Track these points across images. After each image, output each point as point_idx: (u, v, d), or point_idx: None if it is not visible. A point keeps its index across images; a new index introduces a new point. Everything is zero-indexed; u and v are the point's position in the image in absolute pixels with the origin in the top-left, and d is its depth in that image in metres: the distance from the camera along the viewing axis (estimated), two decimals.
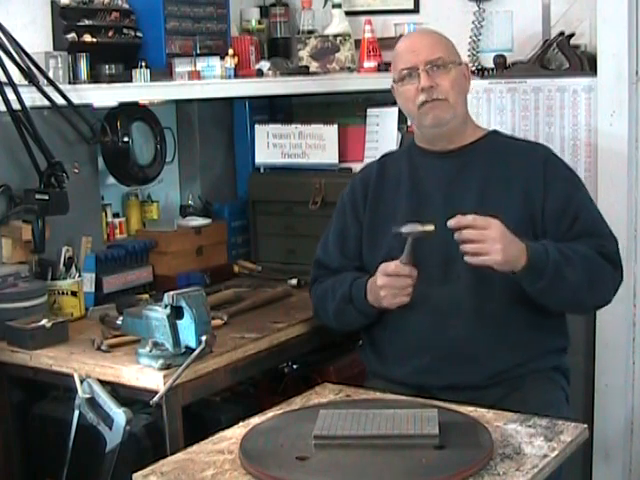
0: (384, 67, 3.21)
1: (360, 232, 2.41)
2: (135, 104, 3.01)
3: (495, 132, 2.45)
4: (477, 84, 2.95)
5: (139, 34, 2.88)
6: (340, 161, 3.19)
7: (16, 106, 2.49)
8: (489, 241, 2.06)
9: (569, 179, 2.33)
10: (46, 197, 2.55)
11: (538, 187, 2.26)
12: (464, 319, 2.22)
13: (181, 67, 2.90)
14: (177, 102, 3.27)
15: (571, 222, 2.24)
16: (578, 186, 2.34)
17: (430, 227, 2.12)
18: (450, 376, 2.21)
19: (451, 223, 2.08)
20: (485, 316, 2.22)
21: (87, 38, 2.74)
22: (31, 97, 2.54)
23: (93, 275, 2.73)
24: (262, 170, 3.32)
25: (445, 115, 2.28)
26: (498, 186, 2.28)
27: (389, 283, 2.19)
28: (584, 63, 2.86)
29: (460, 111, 2.32)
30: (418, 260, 2.18)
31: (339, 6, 3.28)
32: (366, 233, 2.40)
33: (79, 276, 2.62)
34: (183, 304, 2.12)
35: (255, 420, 1.99)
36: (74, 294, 2.60)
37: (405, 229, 2.16)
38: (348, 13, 3.32)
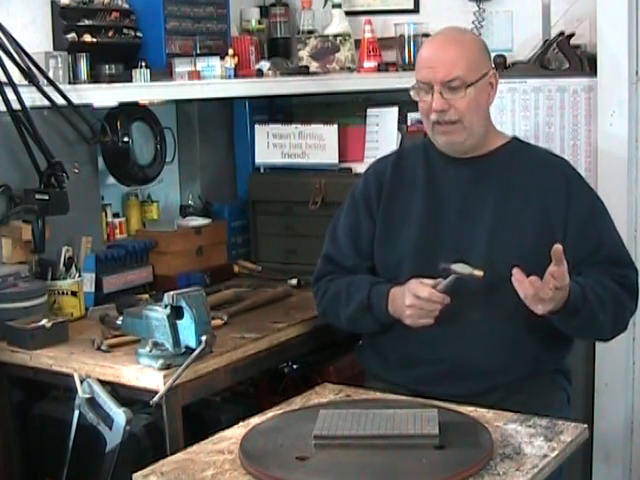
0: (384, 67, 3.22)
1: (373, 230, 2.35)
2: (135, 104, 3.01)
3: (515, 139, 2.39)
4: None
5: (139, 34, 2.88)
6: (340, 161, 3.19)
7: (16, 106, 2.49)
8: (556, 297, 2.02)
9: (592, 202, 2.29)
10: (46, 197, 2.55)
11: (559, 206, 2.22)
12: (472, 333, 2.19)
13: (181, 67, 2.90)
14: (177, 102, 3.27)
15: (594, 248, 2.21)
16: (599, 210, 2.29)
17: (480, 273, 2.07)
18: (451, 387, 2.19)
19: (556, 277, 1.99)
20: (493, 332, 2.18)
21: (87, 38, 2.74)
22: (31, 97, 2.54)
23: (93, 275, 2.73)
24: (262, 170, 3.32)
25: (458, 139, 2.23)
26: (516, 196, 2.24)
27: (418, 305, 2.13)
28: (584, 63, 2.86)
29: (477, 130, 2.24)
30: (425, 271, 2.16)
31: (339, 6, 3.29)
32: (379, 232, 2.34)
33: (79, 276, 2.62)
34: (183, 304, 2.12)
35: (255, 420, 1.99)
36: (74, 294, 2.60)
37: (455, 268, 2.10)
38: (348, 13, 3.32)
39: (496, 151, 2.32)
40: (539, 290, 1.99)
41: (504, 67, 2.99)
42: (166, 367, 2.14)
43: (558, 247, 1.97)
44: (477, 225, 2.24)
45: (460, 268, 2.10)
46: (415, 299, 2.13)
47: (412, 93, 2.27)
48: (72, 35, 2.71)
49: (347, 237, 2.39)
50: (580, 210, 2.23)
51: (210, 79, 2.94)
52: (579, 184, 2.30)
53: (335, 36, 3.26)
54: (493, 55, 2.99)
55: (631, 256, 2.30)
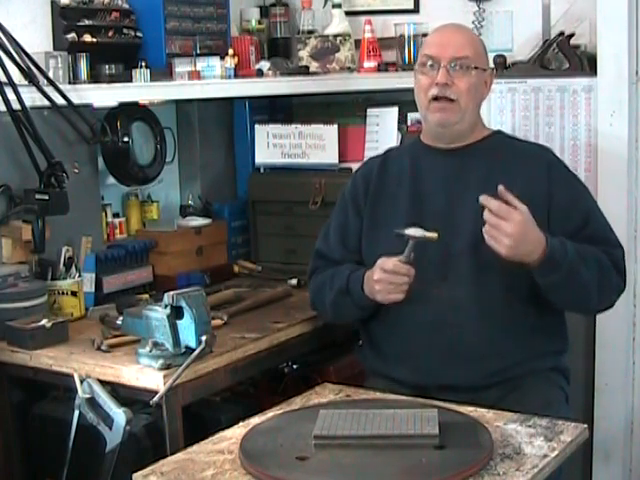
0: (384, 67, 3.22)
1: (361, 227, 2.41)
2: (135, 104, 3.01)
3: (499, 132, 2.46)
4: None
5: (139, 34, 2.88)
6: (340, 161, 3.19)
7: (16, 106, 2.49)
8: (502, 233, 2.05)
9: (573, 185, 2.33)
10: (46, 197, 2.55)
11: (541, 191, 2.25)
12: (464, 319, 2.22)
13: (181, 67, 2.90)
14: (177, 102, 3.27)
15: (578, 228, 2.23)
16: (583, 192, 2.33)
17: (433, 235, 2.12)
18: (448, 376, 2.21)
19: (481, 199, 2.06)
20: (485, 316, 2.21)
21: (87, 38, 2.74)
22: (31, 97, 2.54)
23: (93, 275, 2.73)
24: (262, 170, 3.32)
25: (452, 118, 2.27)
26: (499, 184, 2.27)
27: (385, 279, 2.19)
28: (584, 63, 2.86)
29: (469, 117, 2.30)
30: (418, 260, 2.18)
31: (339, 6, 3.29)
32: (366, 228, 2.39)
33: (79, 276, 2.62)
34: (183, 304, 2.12)
35: (255, 420, 1.99)
36: (74, 294, 2.60)
37: (408, 232, 2.15)
38: (348, 13, 3.32)
39: (479, 142, 2.36)
40: (497, 209, 2.04)
41: (504, 67, 2.99)
42: (166, 367, 2.14)
43: (500, 188, 2.06)
44: (462, 214, 2.27)
45: (413, 232, 2.15)
46: (382, 273, 2.19)
47: (416, 68, 2.33)
48: (72, 35, 2.71)
49: (336, 234, 2.45)
50: (562, 193, 2.27)
51: (210, 79, 2.94)
52: (560, 169, 2.34)
53: (335, 36, 3.26)
54: (493, 55, 3.00)
55: (624, 247, 2.31)
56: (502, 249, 2.06)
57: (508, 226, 2.04)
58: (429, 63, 2.28)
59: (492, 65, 2.98)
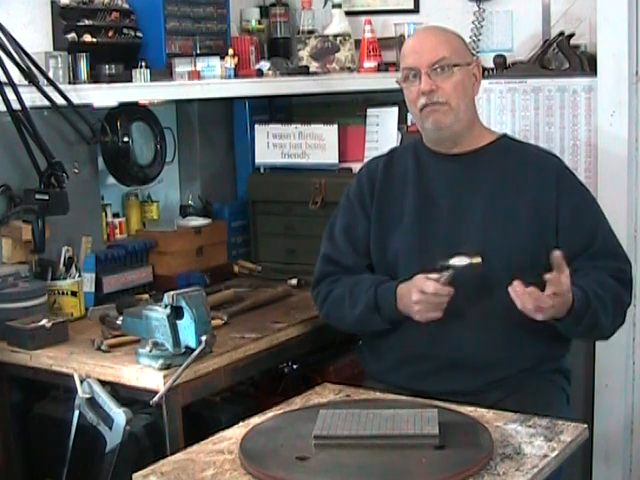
0: (384, 67, 3.22)
1: (369, 228, 2.36)
2: (135, 104, 3.01)
3: (505, 136, 2.40)
4: None
5: (139, 34, 2.88)
6: (340, 161, 3.20)
7: (16, 106, 2.49)
8: (553, 305, 2.02)
9: (582, 196, 2.30)
10: (46, 197, 2.55)
11: (550, 201, 2.23)
12: (467, 327, 2.19)
13: (181, 67, 2.90)
14: (177, 102, 3.27)
15: (588, 241, 2.21)
16: (591, 204, 2.30)
17: (478, 259, 2.08)
18: (448, 384, 2.19)
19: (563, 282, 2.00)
20: (489, 326, 2.19)
21: (87, 38, 2.74)
22: (31, 97, 2.54)
23: (93, 275, 2.73)
24: (262, 170, 3.32)
25: (446, 120, 2.24)
26: (507, 193, 2.25)
27: (425, 300, 2.13)
28: (584, 63, 2.86)
29: (464, 115, 2.26)
30: (423, 268, 2.16)
31: (339, 6, 3.29)
32: (374, 231, 2.36)
33: (79, 276, 2.62)
34: (183, 304, 2.12)
35: (255, 420, 1.99)
36: (74, 294, 2.60)
37: (453, 263, 2.10)
38: (348, 13, 3.32)
39: (485, 148, 2.33)
40: (538, 301, 2.00)
41: (504, 67, 2.99)
42: (166, 367, 2.14)
43: (557, 254, 1.98)
44: (469, 222, 2.25)
45: (458, 262, 2.11)
46: (421, 295, 2.13)
47: (399, 83, 2.32)
48: (72, 35, 2.71)
49: (344, 237, 2.40)
50: (571, 204, 2.24)
51: (210, 79, 2.94)
52: (569, 179, 2.31)
53: (335, 36, 3.26)
54: (493, 55, 3.01)
55: (625, 249, 2.30)
56: (546, 315, 2.04)
57: (558, 299, 2.01)
58: (411, 74, 2.26)
59: (492, 65, 3.00)
